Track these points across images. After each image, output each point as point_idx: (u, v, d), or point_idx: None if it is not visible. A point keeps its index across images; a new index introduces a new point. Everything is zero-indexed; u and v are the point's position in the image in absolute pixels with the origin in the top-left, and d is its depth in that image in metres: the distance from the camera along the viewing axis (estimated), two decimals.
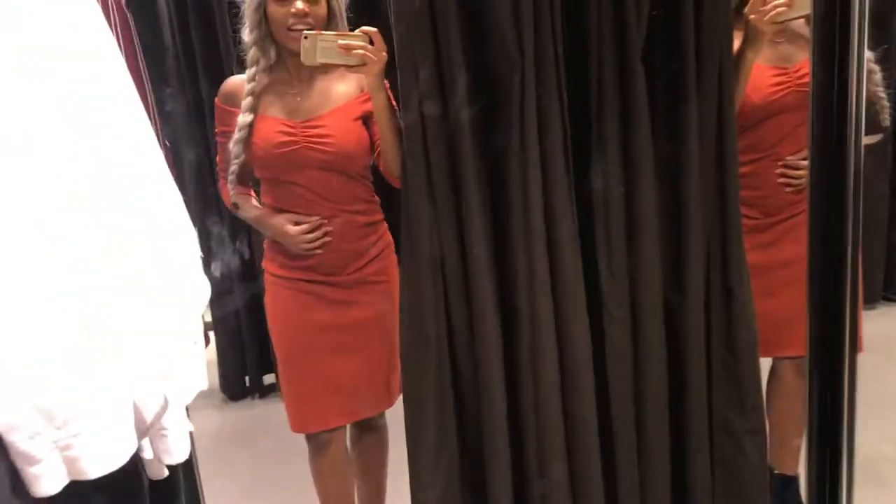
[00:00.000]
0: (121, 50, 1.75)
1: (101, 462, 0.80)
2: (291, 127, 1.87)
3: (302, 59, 1.69)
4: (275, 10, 1.82)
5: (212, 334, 3.57)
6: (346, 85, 1.93)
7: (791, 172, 1.99)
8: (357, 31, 1.69)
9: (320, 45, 1.67)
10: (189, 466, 1.59)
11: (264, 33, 1.85)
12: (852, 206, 0.78)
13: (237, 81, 1.92)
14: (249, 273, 3.39)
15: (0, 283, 0.75)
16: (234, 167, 1.88)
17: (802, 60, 1.97)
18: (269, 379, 3.73)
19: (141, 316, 0.87)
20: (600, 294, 1.68)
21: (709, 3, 1.60)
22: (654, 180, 1.65)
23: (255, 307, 3.51)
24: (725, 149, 1.70)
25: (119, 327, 0.84)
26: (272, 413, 3.55)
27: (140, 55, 1.89)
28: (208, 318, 3.55)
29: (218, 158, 2.00)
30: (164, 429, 0.93)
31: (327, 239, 1.89)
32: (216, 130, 1.99)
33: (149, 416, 0.87)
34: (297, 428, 2.03)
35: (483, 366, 1.66)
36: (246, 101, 1.86)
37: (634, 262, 1.68)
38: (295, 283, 1.96)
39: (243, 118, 1.86)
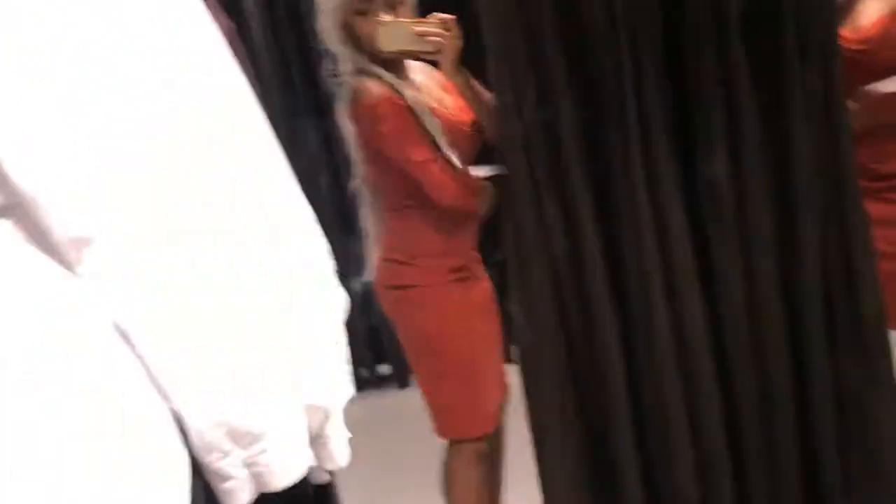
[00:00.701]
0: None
1: (284, 475, 0.89)
2: (453, 113, 1.86)
3: (380, 45, 1.69)
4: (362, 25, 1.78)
5: None
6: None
7: None
8: (430, 17, 1.70)
9: (396, 32, 1.69)
10: None
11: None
12: None
13: (379, 87, 1.80)
14: (357, 267, 3.49)
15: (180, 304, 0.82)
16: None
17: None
18: (383, 370, 3.84)
19: (305, 327, 0.95)
20: (714, 284, 1.68)
21: None
22: (763, 168, 1.64)
23: (365, 299, 3.61)
24: (836, 119, 1.67)
25: (289, 340, 0.92)
26: (388, 405, 3.67)
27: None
28: None
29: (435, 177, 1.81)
30: (327, 436, 1.01)
31: None
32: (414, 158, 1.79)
33: (315, 427, 0.96)
34: (473, 431, 1.91)
35: (602, 364, 1.68)
36: (414, 94, 1.79)
37: (747, 250, 1.67)
38: (462, 273, 1.90)
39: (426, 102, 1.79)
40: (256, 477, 0.87)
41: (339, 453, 1.04)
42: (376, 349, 3.79)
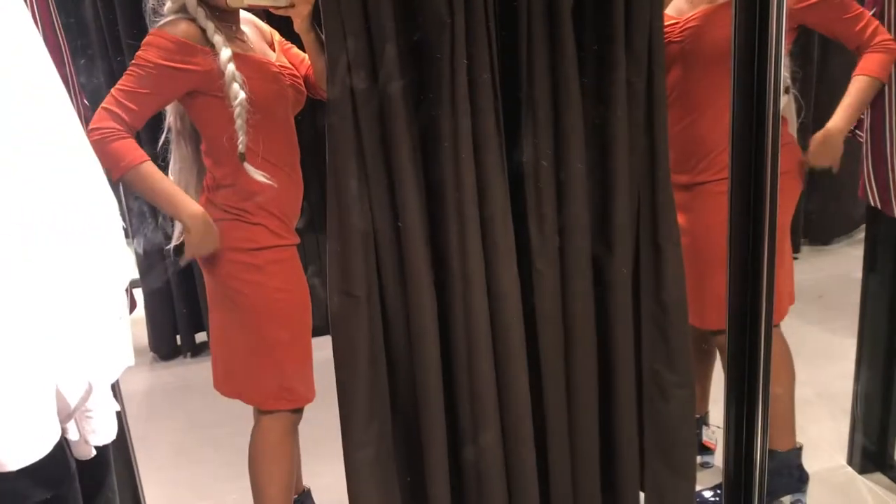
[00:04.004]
0: (38, 25, 1.62)
1: (20, 453, 0.78)
2: (269, 64, 1.76)
3: (229, 0, 1.60)
4: None
5: (139, 292, 3.49)
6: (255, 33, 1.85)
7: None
8: None
9: None
10: (120, 429, 1.57)
11: None
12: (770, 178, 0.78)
13: (182, 23, 1.65)
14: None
15: None
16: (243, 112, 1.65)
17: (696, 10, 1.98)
18: (200, 337, 3.68)
19: (60, 298, 0.84)
20: (531, 254, 1.70)
21: None
22: (583, 145, 1.66)
23: (184, 266, 3.46)
24: (655, 110, 1.71)
25: (37, 312, 0.80)
26: (204, 372, 3.52)
27: (59, 28, 1.77)
28: (135, 275, 3.47)
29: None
30: (90, 410, 0.91)
31: None
32: (175, 66, 1.62)
33: (73, 402, 0.85)
34: (297, 402, 1.87)
35: (416, 330, 1.66)
36: (218, 38, 1.64)
37: (564, 223, 1.70)
38: (291, 246, 1.84)
39: (225, 52, 1.63)
40: None
41: (105, 428, 0.93)
42: (194, 316, 3.61)
